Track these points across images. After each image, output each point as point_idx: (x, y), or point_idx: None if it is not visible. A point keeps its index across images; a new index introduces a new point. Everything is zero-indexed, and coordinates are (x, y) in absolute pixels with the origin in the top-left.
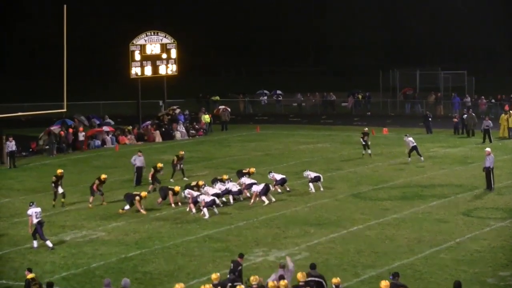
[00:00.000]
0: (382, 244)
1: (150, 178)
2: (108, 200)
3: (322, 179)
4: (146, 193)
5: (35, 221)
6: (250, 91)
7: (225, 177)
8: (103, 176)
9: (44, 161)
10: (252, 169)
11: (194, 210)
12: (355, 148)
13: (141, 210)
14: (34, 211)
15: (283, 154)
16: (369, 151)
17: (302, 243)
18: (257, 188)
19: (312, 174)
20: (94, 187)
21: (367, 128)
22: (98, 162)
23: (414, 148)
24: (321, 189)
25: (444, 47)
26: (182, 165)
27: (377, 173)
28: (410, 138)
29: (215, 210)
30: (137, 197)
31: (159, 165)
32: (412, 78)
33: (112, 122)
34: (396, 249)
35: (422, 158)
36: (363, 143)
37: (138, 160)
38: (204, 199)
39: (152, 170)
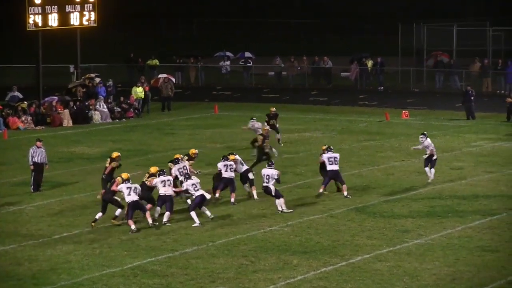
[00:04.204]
0: (398, 283)
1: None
2: None
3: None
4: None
5: None
6: (205, 52)
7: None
8: (115, 153)
9: None
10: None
11: (133, 226)
12: (361, 140)
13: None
14: None
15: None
16: (278, 136)
17: (279, 280)
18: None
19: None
20: (107, 171)
21: (274, 108)
22: None
23: (429, 160)
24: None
25: None
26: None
27: (392, 177)
28: (428, 140)
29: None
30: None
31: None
32: (447, 36)
33: (20, 96)
34: None
35: (432, 177)
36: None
37: (37, 154)
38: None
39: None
